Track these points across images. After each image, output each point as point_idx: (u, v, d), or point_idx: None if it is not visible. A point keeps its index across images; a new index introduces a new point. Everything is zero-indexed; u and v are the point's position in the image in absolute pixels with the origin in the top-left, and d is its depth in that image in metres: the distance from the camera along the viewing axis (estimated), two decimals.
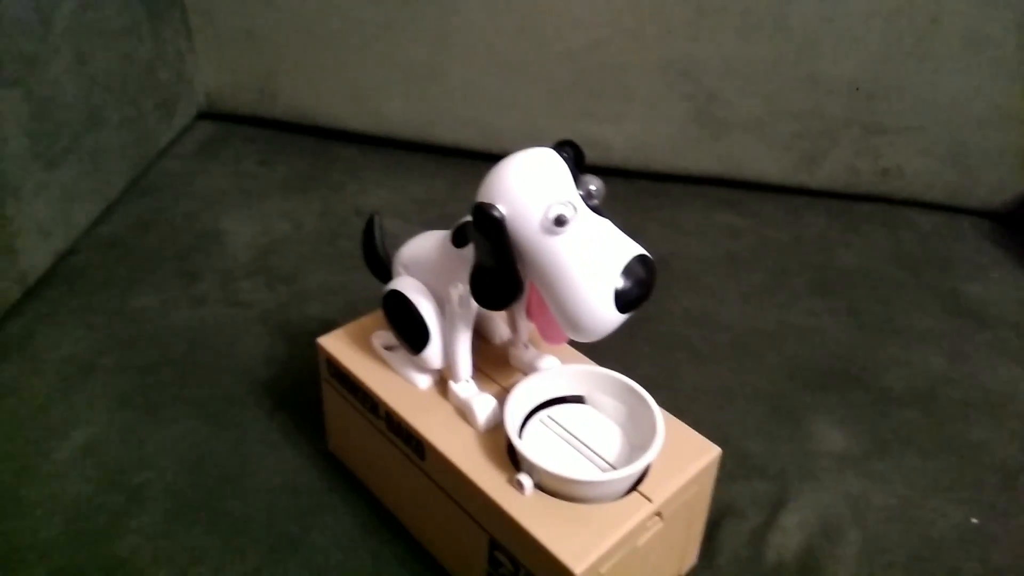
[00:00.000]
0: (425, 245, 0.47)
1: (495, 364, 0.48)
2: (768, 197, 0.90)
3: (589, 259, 0.37)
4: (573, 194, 0.38)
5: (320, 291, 0.71)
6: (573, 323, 0.38)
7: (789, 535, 0.51)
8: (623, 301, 0.37)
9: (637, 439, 0.43)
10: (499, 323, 0.50)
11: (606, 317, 0.37)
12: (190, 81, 0.91)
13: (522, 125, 0.89)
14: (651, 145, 0.89)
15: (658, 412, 0.43)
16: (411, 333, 0.46)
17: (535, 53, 0.85)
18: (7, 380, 0.60)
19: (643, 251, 0.38)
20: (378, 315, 0.51)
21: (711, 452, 0.44)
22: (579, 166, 0.39)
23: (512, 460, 0.42)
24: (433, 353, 0.45)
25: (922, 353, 0.69)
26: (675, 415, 0.45)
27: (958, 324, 0.73)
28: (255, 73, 0.91)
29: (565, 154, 0.39)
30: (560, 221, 0.37)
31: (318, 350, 0.51)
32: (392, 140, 0.92)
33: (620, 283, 0.37)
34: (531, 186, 0.38)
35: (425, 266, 0.46)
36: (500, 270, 0.39)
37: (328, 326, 0.66)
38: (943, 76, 0.82)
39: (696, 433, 0.45)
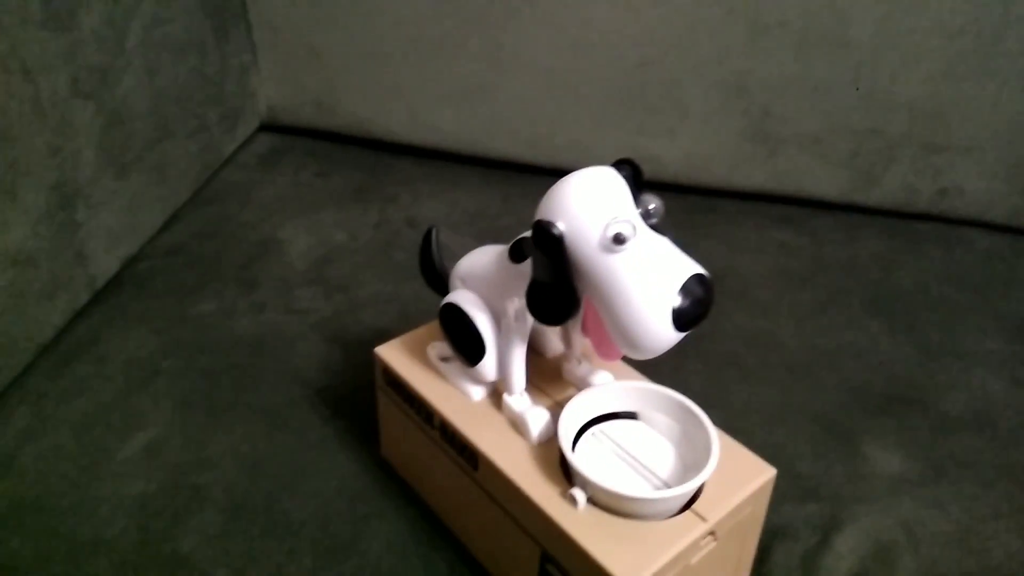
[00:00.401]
0: (483, 260, 0.48)
1: (548, 378, 0.49)
2: (824, 214, 0.89)
3: (647, 277, 0.37)
4: (632, 212, 0.38)
5: (374, 300, 0.72)
6: (630, 340, 0.38)
7: (842, 559, 0.51)
8: (681, 320, 0.37)
9: (690, 457, 0.43)
10: (552, 337, 0.51)
11: (663, 335, 0.38)
12: (253, 94, 0.94)
13: (574, 140, 0.90)
14: (705, 161, 0.88)
15: (713, 431, 0.43)
16: (467, 345, 0.46)
17: (588, 69, 0.86)
18: (76, 380, 0.63)
19: (701, 270, 0.39)
20: (434, 326, 0.52)
21: (766, 473, 0.43)
22: (638, 184, 0.40)
23: (565, 474, 0.43)
24: (488, 366, 0.46)
25: (981, 377, 0.67)
26: (727, 433, 0.45)
27: (1019, 348, 0.71)
28: (315, 87, 0.94)
29: (624, 172, 0.40)
30: (619, 239, 0.37)
31: (375, 359, 0.52)
32: (445, 153, 0.94)
33: (678, 301, 0.37)
34: (591, 204, 0.38)
35: (482, 280, 0.47)
36: (558, 286, 0.40)
37: (382, 335, 0.68)
38: (1004, 95, 0.81)
39: (750, 453, 0.45)
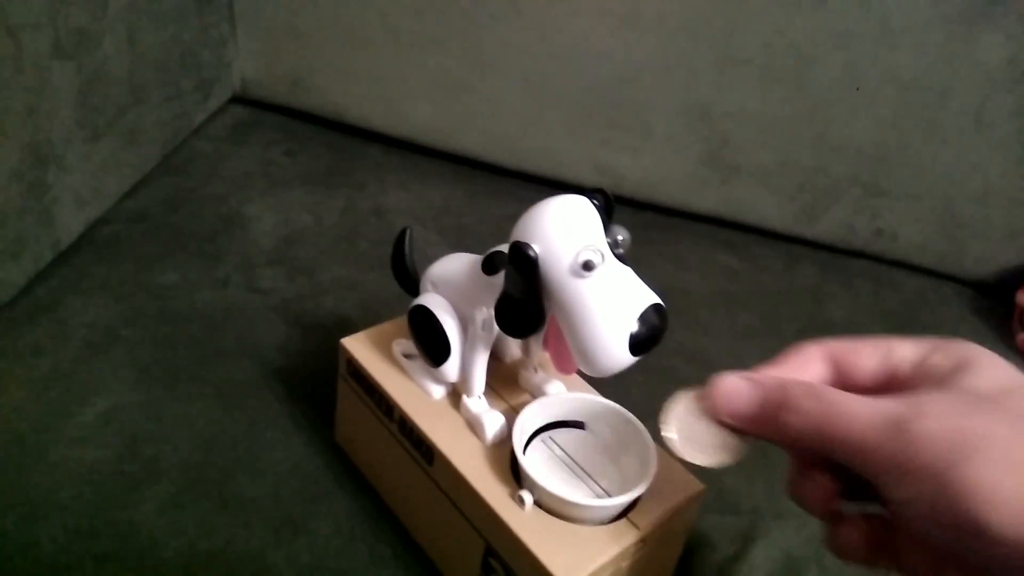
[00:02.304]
0: (455, 267, 0.51)
1: (505, 383, 0.52)
2: (767, 243, 0.94)
3: (610, 304, 0.41)
4: (602, 242, 0.42)
5: (337, 286, 0.74)
6: (588, 360, 0.42)
7: (755, 570, 0.55)
8: (636, 345, 0.41)
9: (630, 467, 0.47)
10: (513, 346, 0.54)
11: (619, 358, 0.41)
12: (228, 66, 0.94)
13: (543, 146, 0.93)
14: (663, 180, 0.93)
15: (652, 446, 0.47)
16: (433, 347, 0.49)
17: (563, 79, 0.89)
18: (35, 342, 0.63)
19: (658, 300, 0.42)
20: (399, 322, 0.55)
21: (696, 487, 0.48)
22: (608, 214, 0.43)
23: (515, 476, 0.46)
24: (451, 368, 0.49)
25: None
26: (663, 445, 0.49)
27: None
28: (292, 65, 0.94)
29: (597, 202, 0.43)
30: (588, 266, 0.40)
31: (340, 349, 0.54)
32: (416, 145, 0.95)
33: (635, 328, 0.41)
34: (565, 231, 0.41)
35: (453, 286, 0.50)
36: (527, 303, 0.43)
37: (343, 321, 0.70)
38: (945, 149, 0.87)
39: (683, 468, 0.49)
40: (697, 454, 0.39)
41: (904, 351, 0.38)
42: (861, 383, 0.39)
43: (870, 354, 0.39)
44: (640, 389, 0.69)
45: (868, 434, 0.34)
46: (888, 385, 0.38)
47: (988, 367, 0.35)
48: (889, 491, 0.33)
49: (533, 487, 0.44)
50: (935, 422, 0.33)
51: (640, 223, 0.93)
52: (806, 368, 0.40)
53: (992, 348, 0.36)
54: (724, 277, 0.88)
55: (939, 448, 0.32)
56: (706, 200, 0.93)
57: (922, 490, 0.32)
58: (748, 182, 0.91)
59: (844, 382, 0.40)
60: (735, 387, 0.39)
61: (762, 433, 0.39)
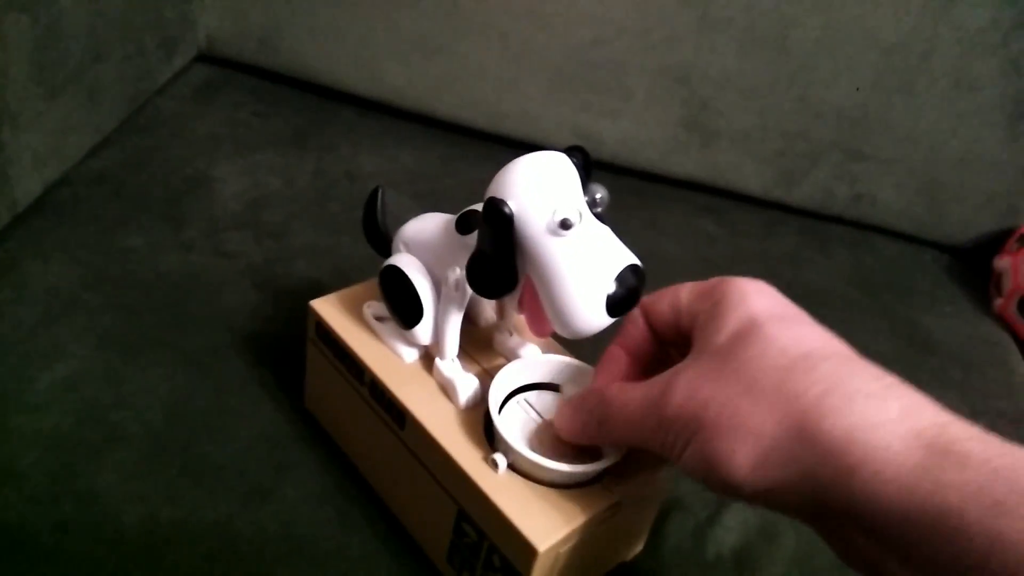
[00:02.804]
0: (428, 226, 0.49)
1: (478, 346, 0.51)
2: (745, 208, 0.93)
3: (586, 264, 0.40)
4: (580, 201, 0.40)
5: (307, 251, 0.72)
6: (564, 321, 0.40)
7: (729, 532, 0.55)
8: (613, 306, 0.40)
9: None
10: (487, 308, 0.52)
11: (595, 319, 0.40)
12: (194, 22, 0.91)
13: (520, 109, 0.91)
14: (642, 144, 0.91)
15: None
16: (405, 309, 0.48)
17: (541, 41, 0.87)
18: None
19: (636, 260, 0.41)
20: (370, 284, 0.53)
21: None
22: (587, 172, 0.42)
23: (488, 439, 0.45)
24: (424, 330, 0.48)
25: None
26: None
27: (909, 351, 0.77)
28: (259, 22, 0.91)
29: (576, 159, 0.41)
30: (565, 225, 0.39)
31: (308, 312, 0.53)
32: (390, 107, 0.93)
33: (612, 288, 0.39)
34: (542, 188, 0.40)
35: (426, 247, 0.48)
36: (500, 262, 0.41)
37: (313, 286, 0.69)
38: (926, 113, 0.86)
39: None
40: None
41: (683, 295, 0.41)
42: (661, 332, 0.43)
43: (665, 302, 0.42)
44: None
45: (637, 423, 0.38)
46: (678, 329, 0.41)
47: (736, 307, 0.38)
48: (677, 466, 0.37)
49: (507, 450, 0.43)
50: (679, 397, 0.36)
51: (619, 188, 0.90)
52: (615, 366, 0.44)
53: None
54: (703, 242, 0.87)
55: (684, 423, 0.36)
56: (685, 165, 0.92)
57: (687, 462, 0.36)
58: (728, 146, 0.90)
59: (651, 337, 0.43)
60: (561, 414, 0.43)
61: (598, 442, 0.44)
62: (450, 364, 0.48)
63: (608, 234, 0.41)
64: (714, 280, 0.40)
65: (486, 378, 0.47)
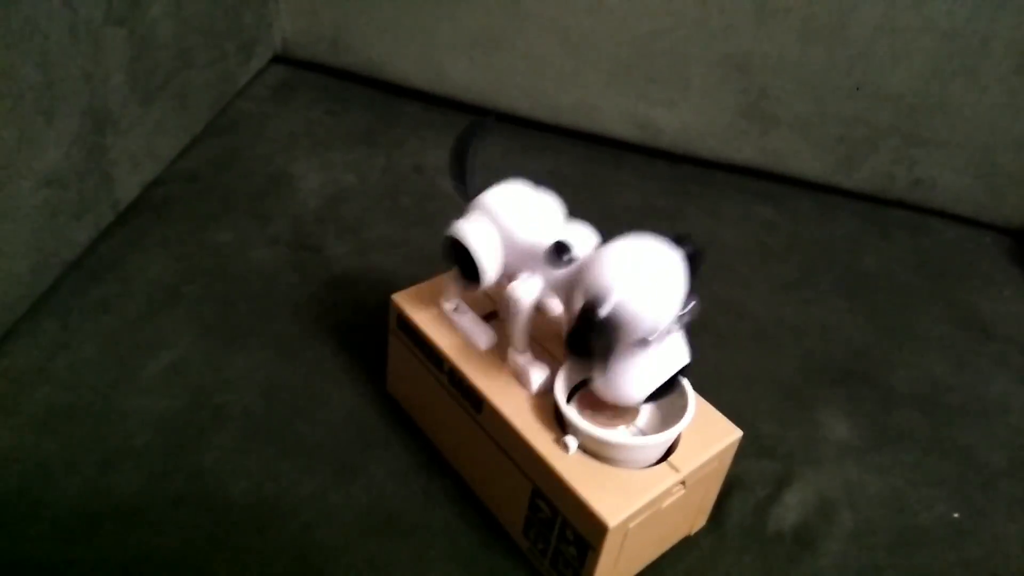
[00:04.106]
0: (515, 220, 0.50)
1: (548, 336, 0.54)
2: (805, 194, 0.94)
3: (651, 362, 0.45)
4: (674, 315, 0.44)
5: (382, 243, 0.77)
6: (609, 391, 0.46)
7: (789, 510, 0.58)
8: (651, 397, 0.46)
9: (670, 415, 0.49)
10: (556, 301, 0.56)
11: (634, 401, 0.46)
12: (269, 26, 0.95)
13: (580, 100, 0.93)
14: (700, 133, 0.93)
15: (691, 393, 0.49)
16: (467, 271, 0.51)
17: (600, 34, 0.89)
18: (101, 299, 0.67)
19: (688, 360, 0.46)
20: (446, 278, 0.57)
21: (734, 434, 0.50)
22: (693, 271, 0.44)
23: (559, 423, 0.49)
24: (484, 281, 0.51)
25: (929, 359, 0.74)
26: (700, 394, 0.51)
27: (967, 335, 0.78)
28: (331, 24, 0.96)
29: (687, 250, 0.44)
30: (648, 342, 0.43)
31: (391, 304, 0.57)
32: (454, 101, 0.96)
33: (659, 385, 0.45)
34: (651, 301, 0.43)
35: (509, 239, 0.50)
36: (603, 348, 0.45)
37: (389, 276, 0.73)
38: (986, 97, 0.86)
39: (721, 415, 0.51)
40: None
41: None
42: None
43: None
44: None
45: None
46: None
47: None
48: None
49: (576, 432, 0.46)
50: None
51: (678, 176, 0.93)
52: None
53: None
54: (761, 229, 0.88)
55: None
56: (744, 152, 0.93)
57: None
58: (786, 133, 0.91)
59: None
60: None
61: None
62: (522, 353, 0.51)
63: (677, 337, 0.45)
64: None
65: (556, 365, 0.50)
